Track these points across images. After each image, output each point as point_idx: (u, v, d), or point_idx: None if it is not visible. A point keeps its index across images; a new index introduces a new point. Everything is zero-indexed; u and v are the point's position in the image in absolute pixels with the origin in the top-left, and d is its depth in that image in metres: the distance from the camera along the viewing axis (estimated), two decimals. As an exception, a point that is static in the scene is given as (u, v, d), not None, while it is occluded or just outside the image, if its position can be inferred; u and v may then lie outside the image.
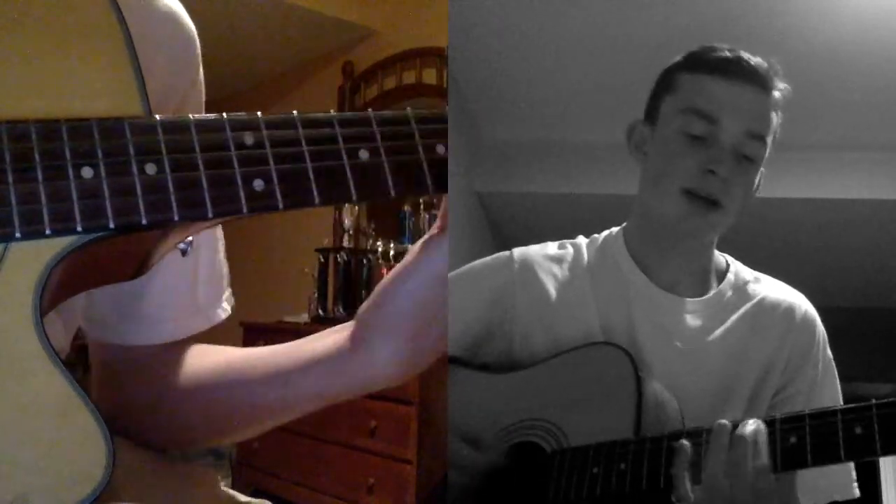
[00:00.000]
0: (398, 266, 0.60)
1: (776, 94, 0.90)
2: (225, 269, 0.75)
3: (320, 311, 3.23)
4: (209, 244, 0.72)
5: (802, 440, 0.69)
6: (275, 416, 0.67)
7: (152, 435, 0.68)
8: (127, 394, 0.70)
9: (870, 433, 0.67)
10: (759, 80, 0.88)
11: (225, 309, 0.75)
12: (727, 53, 0.89)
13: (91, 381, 0.73)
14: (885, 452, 0.67)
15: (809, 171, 2.77)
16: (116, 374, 0.71)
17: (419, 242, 0.60)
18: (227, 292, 0.75)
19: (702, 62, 0.90)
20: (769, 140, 0.89)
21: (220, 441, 0.72)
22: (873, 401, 0.68)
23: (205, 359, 0.70)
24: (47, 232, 0.46)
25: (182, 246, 0.55)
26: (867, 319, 3.37)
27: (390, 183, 0.51)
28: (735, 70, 0.88)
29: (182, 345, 0.71)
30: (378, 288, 0.60)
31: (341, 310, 3.11)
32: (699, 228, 0.88)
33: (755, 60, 0.89)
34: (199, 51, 0.70)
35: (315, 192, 0.49)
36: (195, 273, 0.71)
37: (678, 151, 0.88)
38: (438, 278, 0.57)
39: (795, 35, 2.27)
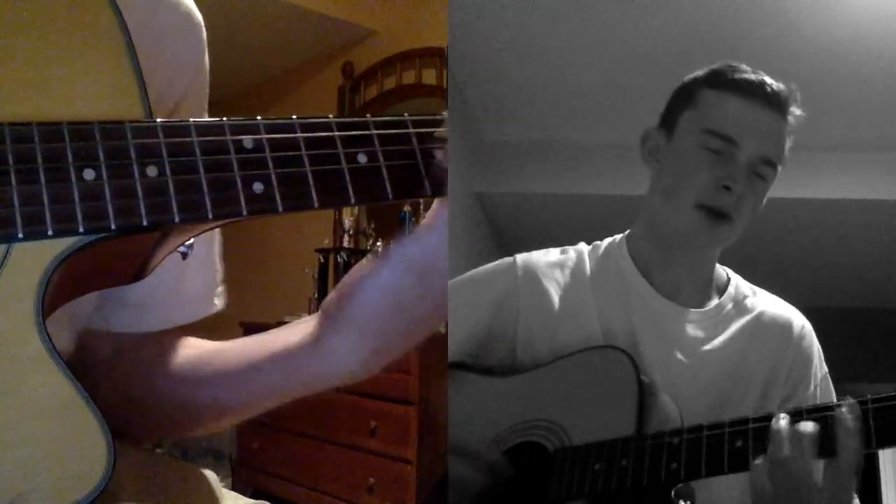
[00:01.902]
0: (366, 258, 0.59)
1: (791, 119, 0.91)
2: (219, 264, 0.75)
3: (320, 311, 3.23)
4: (204, 239, 0.72)
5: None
6: (239, 412, 0.67)
7: (127, 424, 0.67)
8: (106, 380, 0.70)
9: (866, 427, 0.69)
10: (778, 105, 0.90)
11: (215, 304, 0.74)
12: (751, 76, 0.91)
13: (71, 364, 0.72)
14: (880, 445, 0.69)
15: (809, 171, 2.77)
16: (97, 360, 0.71)
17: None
18: (220, 288, 0.75)
19: (725, 81, 0.91)
20: (780, 166, 0.91)
21: (186, 434, 0.72)
22: (868, 396, 0.70)
23: (184, 352, 0.70)
24: (49, 233, 0.46)
25: (183, 249, 0.55)
26: (867, 319, 3.37)
27: (388, 186, 0.52)
28: (758, 93, 0.90)
29: (168, 336, 0.71)
30: (343, 281, 0.60)
31: (341, 310, 3.11)
32: (707, 242, 0.90)
33: (777, 85, 0.91)
34: (205, 39, 0.70)
35: (314, 196, 0.50)
36: (186, 265, 0.70)
37: (694, 166, 0.89)
38: (408, 268, 0.56)
39: (795, 35, 2.27)
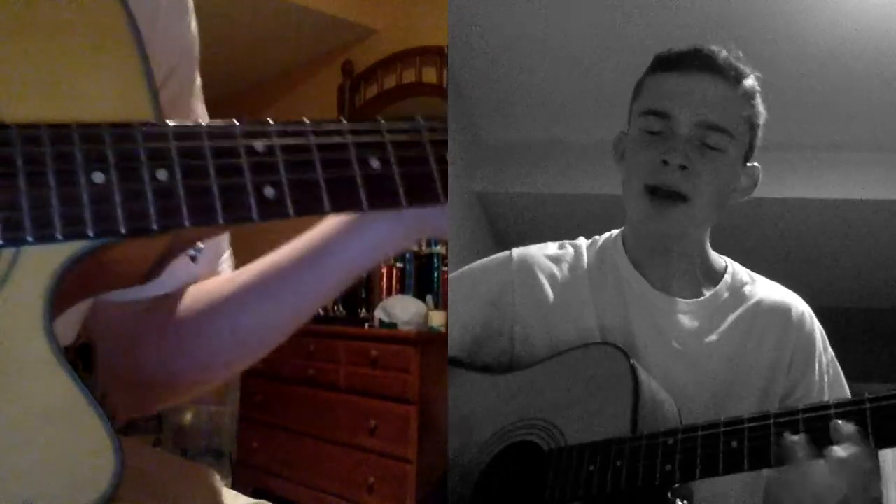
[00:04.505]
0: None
1: (746, 82, 0.89)
2: (225, 243, 0.74)
3: (320, 311, 3.22)
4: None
5: (797, 435, 0.69)
6: (297, 321, 0.66)
7: (163, 381, 0.67)
8: (133, 347, 0.68)
9: (863, 428, 0.68)
10: (715, 70, 0.87)
11: (225, 268, 0.73)
12: (682, 48, 0.90)
13: (96, 344, 0.70)
14: (879, 446, 0.68)
15: (809, 171, 2.78)
16: (120, 330, 0.69)
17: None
18: (228, 252, 0.74)
19: (660, 62, 0.91)
20: (738, 129, 0.88)
21: (236, 368, 0.70)
22: (866, 394, 0.69)
23: (215, 285, 0.69)
24: (58, 236, 0.45)
25: (192, 252, 0.55)
26: (867, 319, 3.37)
27: (401, 192, 0.51)
28: (687, 63, 0.88)
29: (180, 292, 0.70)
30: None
31: (341, 309, 3.11)
32: (667, 224, 0.87)
33: (710, 50, 0.89)
34: (192, 6, 0.68)
35: (326, 201, 0.49)
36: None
37: (639, 151, 0.89)
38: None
39: (796, 36, 2.28)
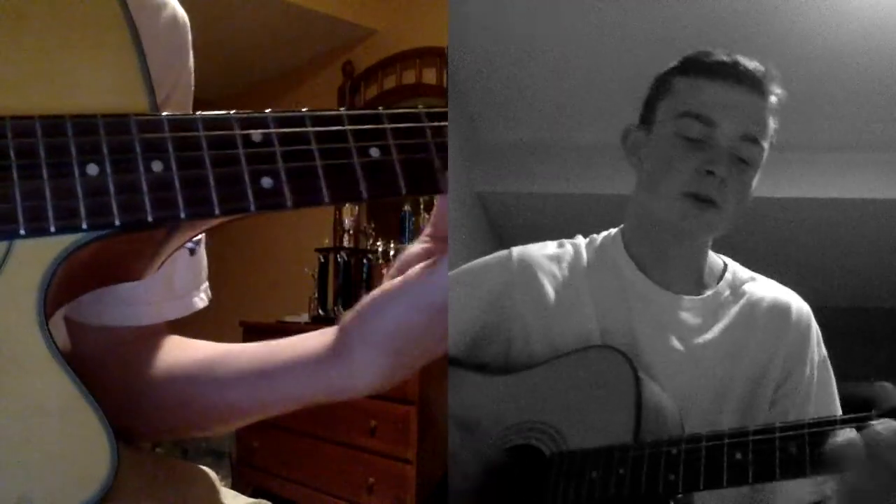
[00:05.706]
0: (388, 284, 0.58)
1: (773, 98, 0.90)
2: (204, 261, 0.74)
3: (320, 311, 3.22)
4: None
5: (802, 449, 0.68)
6: (249, 415, 0.66)
7: (120, 424, 0.68)
8: (97, 378, 0.68)
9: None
10: (755, 84, 0.88)
11: (202, 299, 0.73)
12: (724, 57, 0.90)
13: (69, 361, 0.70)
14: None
15: (809, 171, 2.77)
16: (87, 356, 0.69)
17: (418, 266, 0.58)
18: (205, 284, 0.74)
19: (698, 66, 0.91)
20: (766, 144, 0.89)
21: (189, 435, 0.70)
22: (874, 411, 0.68)
23: (183, 351, 0.69)
24: (52, 229, 0.45)
25: (190, 245, 0.54)
26: (867, 319, 3.37)
27: (401, 181, 0.50)
28: (731, 73, 0.88)
29: (157, 333, 0.70)
30: (365, 301, 0.59)
31: (341, 309, 3.11)
32: (697, 229, 0.88)
33: (752, 64, 0.89)
34: (189, 38, 0.69)
35: (324, 191, 0.49)
36: (172, 260, 0.70)
37: (676, 155, 0.88)
38: (427, 306, 0.55)
39: (796, 36, 2.27)
